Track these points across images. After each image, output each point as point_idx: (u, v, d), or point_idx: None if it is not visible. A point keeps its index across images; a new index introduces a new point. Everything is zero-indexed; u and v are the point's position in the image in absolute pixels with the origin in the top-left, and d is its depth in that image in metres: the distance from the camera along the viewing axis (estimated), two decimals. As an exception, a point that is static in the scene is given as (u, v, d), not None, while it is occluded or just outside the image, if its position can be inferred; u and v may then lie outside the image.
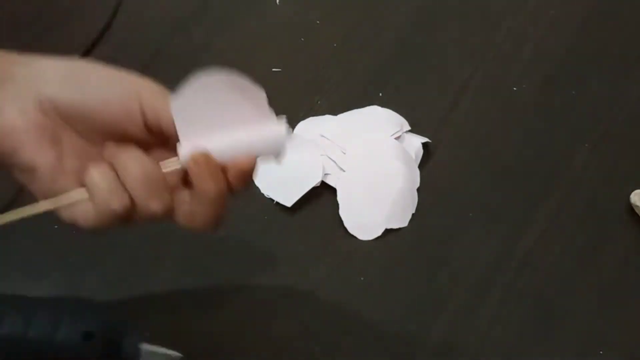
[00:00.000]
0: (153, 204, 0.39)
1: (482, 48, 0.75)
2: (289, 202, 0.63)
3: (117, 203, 0.38)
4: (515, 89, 0.72)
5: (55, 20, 0.76)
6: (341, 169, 0.64)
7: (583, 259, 0.60)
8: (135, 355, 0.47)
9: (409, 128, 0.67)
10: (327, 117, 0.69)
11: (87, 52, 0.74)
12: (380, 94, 0.71)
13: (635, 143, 0.67)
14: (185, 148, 0.40)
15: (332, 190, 0.64)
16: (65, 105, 0.40)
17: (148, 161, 0.39)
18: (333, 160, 0.64)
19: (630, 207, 0.62)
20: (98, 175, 0.38)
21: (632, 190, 0.63)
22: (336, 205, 0.62)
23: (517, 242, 0.61)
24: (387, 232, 0.62)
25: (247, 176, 0.40)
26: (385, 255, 0.61)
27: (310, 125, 0.68)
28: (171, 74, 0.81)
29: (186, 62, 0.75)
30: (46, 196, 0.39)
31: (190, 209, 0.40)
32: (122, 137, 0.41)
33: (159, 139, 0.41)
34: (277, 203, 0.63)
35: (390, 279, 0.60)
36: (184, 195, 0.41)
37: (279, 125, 0.40)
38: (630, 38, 0.75)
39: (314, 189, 0.63)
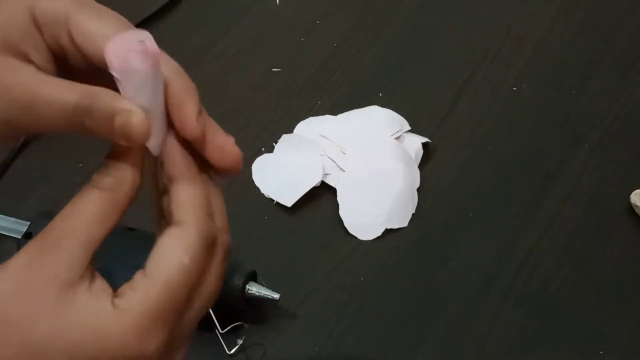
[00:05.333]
0: None
1: (482, 48, 0.75)
2: (289, 202, 0.63)
3: None
4: (515, 89, 0.72)
5: None
6: (341, 169, 0.64)
7: (583, 259, 0.60)
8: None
9: (409, 128, 0.67)
10: (327, 117, 0.69)
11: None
12: (380, 94, 0.71)
13: (635, 143, 0.67)
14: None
15: (332, 190, 0.64)
16: None
17: None
18: (333, 160, 0.64)
19: (630, 207, 0.62)
20: None
21: (632, 190, 0.63)
22: (336, 205, 0.62)
23: (517, 242, 0.61)
24: (387, 232, 0.62)
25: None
26: (385, 255, 0.61)
27: (310, 125, 0.68)
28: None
29: (187, 62, 0.75)
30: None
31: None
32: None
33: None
34: (277, 203, 0.64)
35: (390, 279, 0.60)
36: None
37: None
38: (630, 38, 0.75)
39: (314, 189, 0.63)
